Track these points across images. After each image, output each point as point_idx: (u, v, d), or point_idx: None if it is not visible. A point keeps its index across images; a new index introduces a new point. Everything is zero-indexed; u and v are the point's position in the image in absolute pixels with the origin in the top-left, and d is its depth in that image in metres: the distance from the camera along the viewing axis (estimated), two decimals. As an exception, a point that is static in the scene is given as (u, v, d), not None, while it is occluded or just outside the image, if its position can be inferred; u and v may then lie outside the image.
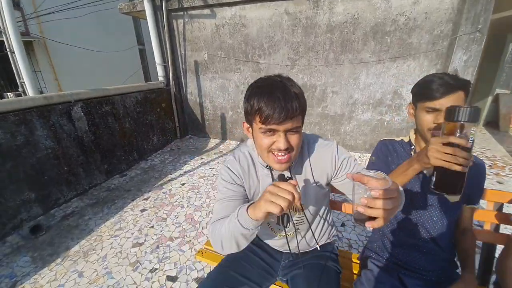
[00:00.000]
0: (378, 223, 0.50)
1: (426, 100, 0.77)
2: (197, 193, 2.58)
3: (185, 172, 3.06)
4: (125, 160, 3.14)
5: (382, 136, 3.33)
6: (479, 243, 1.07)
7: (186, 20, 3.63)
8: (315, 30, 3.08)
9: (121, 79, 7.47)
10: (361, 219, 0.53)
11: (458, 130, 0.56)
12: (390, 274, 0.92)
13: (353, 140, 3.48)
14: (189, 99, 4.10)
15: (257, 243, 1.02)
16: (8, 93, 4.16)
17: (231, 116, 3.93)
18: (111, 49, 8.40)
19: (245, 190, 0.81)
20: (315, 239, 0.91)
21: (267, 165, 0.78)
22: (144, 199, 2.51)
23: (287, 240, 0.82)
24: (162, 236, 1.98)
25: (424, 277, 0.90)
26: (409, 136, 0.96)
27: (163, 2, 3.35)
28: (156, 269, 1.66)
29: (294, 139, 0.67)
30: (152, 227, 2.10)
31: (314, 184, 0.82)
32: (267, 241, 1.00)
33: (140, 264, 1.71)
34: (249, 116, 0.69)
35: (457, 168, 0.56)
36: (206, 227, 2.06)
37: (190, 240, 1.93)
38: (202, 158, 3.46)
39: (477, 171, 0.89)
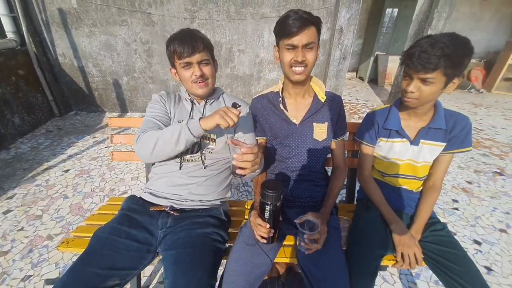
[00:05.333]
0: (245, 171, 0.72)
1: (285, 37, 0.81)
2: (87, 178, 2.13)
3: (70, 157, 2.45)
4: (-35, 152, 2.23)
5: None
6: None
7: None
8: (211, -24, 2.73)
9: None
10: (234, 171, 0.77)
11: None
12: None
13: (264, 101, 3.55)
14: (62, 63, 3.12)
15: (129, 220, 0.88)
16: None
17: (127, 83, 3.27)
18: None
19: (168, 112, 0.96)
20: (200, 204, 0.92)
21: (190, 98, 0.98)
22: (8, 198, 1.90)
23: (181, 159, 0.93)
24: (36, 237, 1.57)
25: (302, 204, 0.99)
26: (279, 85, 0.99)
27: None
28: (30, 276, 1.33)
29: (206, 69, 0.90)
30: (22, 229, 1.63)
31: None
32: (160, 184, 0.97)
33: (8, 275, 1.33)
34: (171, 59, 0.91)
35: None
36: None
37: (78, 233, 1.59)
38: (95, 137, 2.83)
39: (335, 107, 0.98)
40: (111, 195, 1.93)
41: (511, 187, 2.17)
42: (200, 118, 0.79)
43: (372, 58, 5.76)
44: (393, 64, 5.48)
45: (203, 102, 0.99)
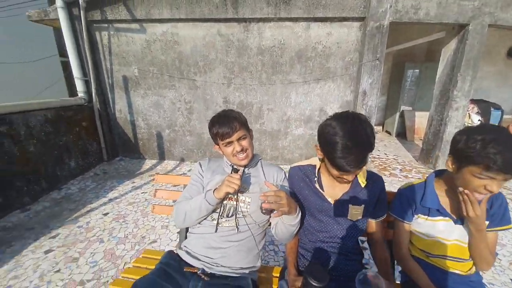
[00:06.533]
0: (270, 206, 0.82)
1: (336, 169, 0.80)
2: (123, 223, 2.27)
3: (110, 200, 2.68)
4: (28, 192, 2.57)
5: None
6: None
7: (112, 33, 3.37)
8: (247, 52, 3.25)
9: (36, 93, 6.40)
10: (261, 206, 0.86)
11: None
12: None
13: (290, 153, 3.68)
14: (118, 117, 3.70)
15: (167, 274, 0.95)
16: None
17: (168, 135, 3.70)
18: (23, 59, 7.17)
19: (202, 184, 1.11)
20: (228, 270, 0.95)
21: (231, 164, 1.09)
22: (51, 238, 2.07)
23: (218, 222, 1.01)
24: (70, 282, 1.63)
25: (334, 277, 0.94)
26: (318, 164, 1.02)
27: (81, 11, 3.04)
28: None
29: (244, 143, 1.04)
30: (58, 271, 1.72)
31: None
32: (193, 250, 1.04)
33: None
34: (215, 139, 1.06)
35: None
36: (129, 262, 1.80)
37: (108, 281, 1.64)
38: (133, 182, 3.10)
39: (375, 189, 0.97)
40: (141, 243, 2.01)
41: None
42: (215, 190, 0.96)
43: (398, 114, 5.83)
44: (421, 119, 5.47)
45: (242, 168, 1.10)
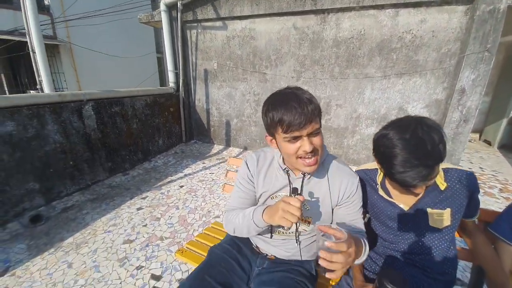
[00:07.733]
0: (336, 274, 0.60)
1: (398, 185, 0.73)
2: (194, 196, 2.60)
3: (185, 175, 3.10)
4: (129, 160, 3.24)
5: (386, 152, 3.26)
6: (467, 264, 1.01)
7: (199, 31, 3.81)
8: (321, 44, 3.14)
9: (138, 82, 7.93)
10: (322, 269, 0.62)
11: None
12: (371, 280, 0.89)
13: (356, 154, 3.42)
14: (197, 105, 4.22)
15: (238, 246, 1.02)
16: (31, 90, 4.44)
17: (236, 124, 3.99)
18: (132, 54, 8.94)
19: (254, 188, 0.92)
20: (300, 250, 0.91)
21: (285, 168, 0.83)
22: (142, 198, 2.56)
23: (269, 232, 0.90)
24: (153, 235, 2.00)
25: None
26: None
27: (178, 13, 3.55)
28: (142, 266, 1.67)
29: (316, 140, 0.72)
30: (145, 225, 2.13)
31: (328, 199, 0.84)
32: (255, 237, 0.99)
33: (128, 260, 1.73)
34: (271, 129, 0.74)
35: None
36: (197, 230, 2.07)
37: (180, 242, 1.94)
38: (204, 163, 3.50)
39: (464, 189, 0.82)
40: (207, 215, 2.28)
41: None
42: (264, 210, 0.76)
43: (505, 120, 4.58)
44: (545, 130, 4.16)
45: (300, 173, 0.82)
